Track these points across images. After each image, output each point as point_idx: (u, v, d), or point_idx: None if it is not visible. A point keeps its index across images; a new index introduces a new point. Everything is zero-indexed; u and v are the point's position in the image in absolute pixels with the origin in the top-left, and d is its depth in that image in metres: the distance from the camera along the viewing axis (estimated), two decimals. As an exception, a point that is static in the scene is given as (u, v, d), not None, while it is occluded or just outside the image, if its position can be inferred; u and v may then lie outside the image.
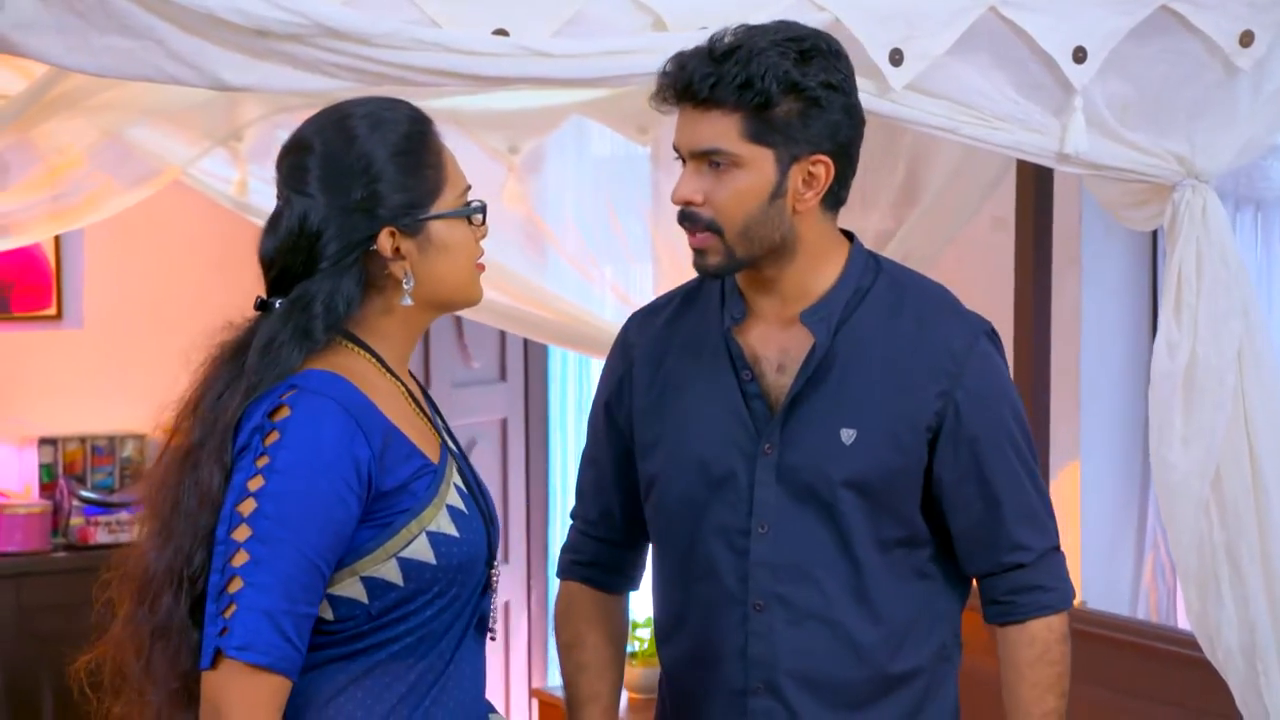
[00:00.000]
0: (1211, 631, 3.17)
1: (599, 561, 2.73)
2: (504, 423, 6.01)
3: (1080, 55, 3.02)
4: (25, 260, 5.67)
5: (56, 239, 5.52)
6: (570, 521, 2.80)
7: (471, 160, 4.25)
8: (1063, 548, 2.65)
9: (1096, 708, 4.03)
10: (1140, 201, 3.31)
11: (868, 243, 4.22)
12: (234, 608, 2.14)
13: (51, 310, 5.68)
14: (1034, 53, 3.01)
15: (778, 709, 2.54)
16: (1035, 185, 4.13)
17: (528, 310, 4.52)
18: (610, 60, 2.71)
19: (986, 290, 4.35)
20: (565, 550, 2.78)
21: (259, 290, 2.33)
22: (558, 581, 2.80)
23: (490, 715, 2.44)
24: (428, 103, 4.10)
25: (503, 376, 6.00)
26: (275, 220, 2.30)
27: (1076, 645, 2.67)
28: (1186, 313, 3.14)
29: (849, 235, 2.62)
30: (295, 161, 2.30)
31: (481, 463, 5.89)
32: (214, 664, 2.15)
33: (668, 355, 2.64)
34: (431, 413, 2.40)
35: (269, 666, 2.15)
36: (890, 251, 4.19)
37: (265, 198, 4.23)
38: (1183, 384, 3.15)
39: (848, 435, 2.50)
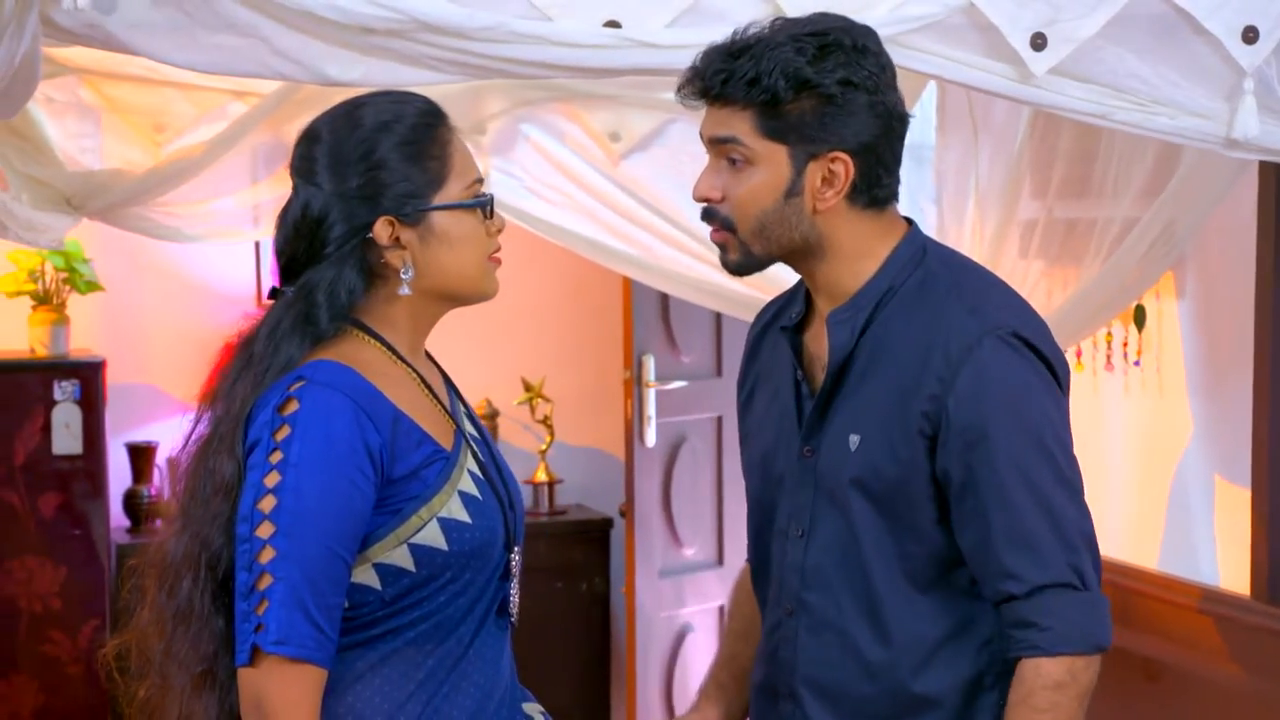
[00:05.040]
0: None
1: None
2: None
3: (1251, 35, 2.88)
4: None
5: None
6: None
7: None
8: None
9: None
10: (1347, 188, 3.14)
11: (1114, 230, 4.15)
12: (266, 603, 2.19)
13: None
14: (1198, 33, 2.88)
15: (798, 715, 2.50)
16: (1277, 170, 3.92)
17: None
18: (720, 51, 2.71)
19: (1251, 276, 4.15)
20: None
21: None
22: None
23: (525, 704, 2.46)
24: (662, 94, 4.19)
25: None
26: (285, 209, 2.36)
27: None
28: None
29: (911, 223, 2.52)
30: (304, 151, 2.36)
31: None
32: (252, 660, 2.21)
33: (760, 354, 2.65)
34: (451, 399, 2.43)
35: (306, 658, 2.20)
36: (1135, 238, 4.05)
37: (507, 190, 4.37)
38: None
39: (854, 440, 2.42)
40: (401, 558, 2.28)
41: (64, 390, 5.31)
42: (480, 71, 2.68)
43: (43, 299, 5.46)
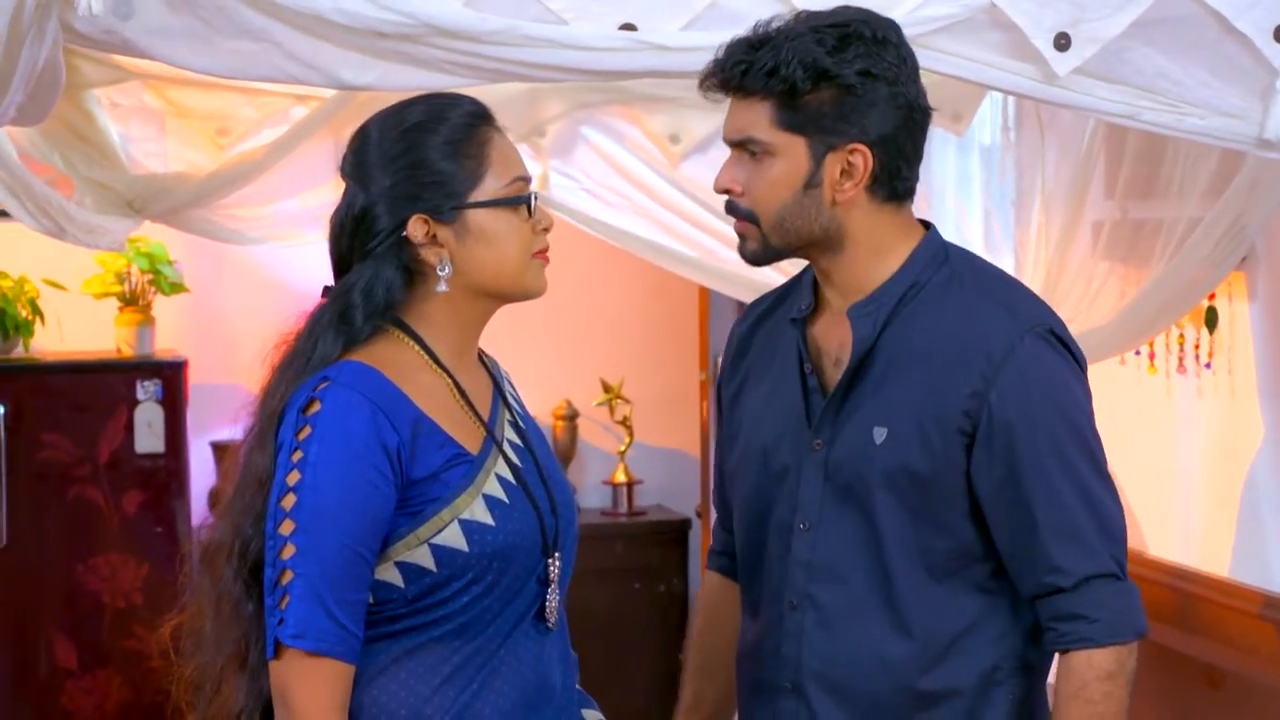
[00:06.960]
0: None
1: (728, 551, 2.72)
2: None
3: (1283, 34, 2.84)
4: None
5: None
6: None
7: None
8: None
9: None
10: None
11: (1179, 230, 4.08)
12: (287, 599, 2.25)
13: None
14: (1228, 33, 2.84)
15: (802, 711, 2.48)
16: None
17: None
18: (732, 53, 2.71)
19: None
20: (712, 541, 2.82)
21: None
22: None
23: (585, 710, 2.48)
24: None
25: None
26: (336, 208, 2.40)
27: None
28: None
29: (928, 226, 2.52)
30: (354, 150, 2.39)
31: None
32: (276, 654, 2.27)
33: (752, 348, 2.64)
34: (495, 405, 2.45)
35: (324, 652, 2.25)
36: (1202, 234, 3.99)
37: (567, 192, 4.39)
38: None
39: (879, 434, 2.42)
40: (422, 557, 2.31)
41: (146, 390, 5.40)
42: (495, 75, 2.70)
43: (129, 300, 5.56)
